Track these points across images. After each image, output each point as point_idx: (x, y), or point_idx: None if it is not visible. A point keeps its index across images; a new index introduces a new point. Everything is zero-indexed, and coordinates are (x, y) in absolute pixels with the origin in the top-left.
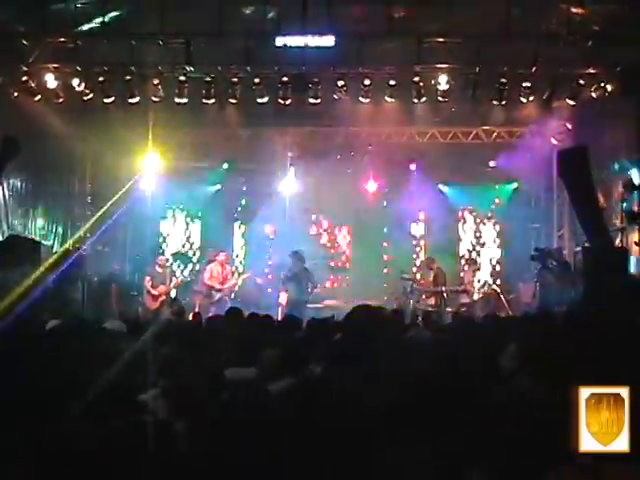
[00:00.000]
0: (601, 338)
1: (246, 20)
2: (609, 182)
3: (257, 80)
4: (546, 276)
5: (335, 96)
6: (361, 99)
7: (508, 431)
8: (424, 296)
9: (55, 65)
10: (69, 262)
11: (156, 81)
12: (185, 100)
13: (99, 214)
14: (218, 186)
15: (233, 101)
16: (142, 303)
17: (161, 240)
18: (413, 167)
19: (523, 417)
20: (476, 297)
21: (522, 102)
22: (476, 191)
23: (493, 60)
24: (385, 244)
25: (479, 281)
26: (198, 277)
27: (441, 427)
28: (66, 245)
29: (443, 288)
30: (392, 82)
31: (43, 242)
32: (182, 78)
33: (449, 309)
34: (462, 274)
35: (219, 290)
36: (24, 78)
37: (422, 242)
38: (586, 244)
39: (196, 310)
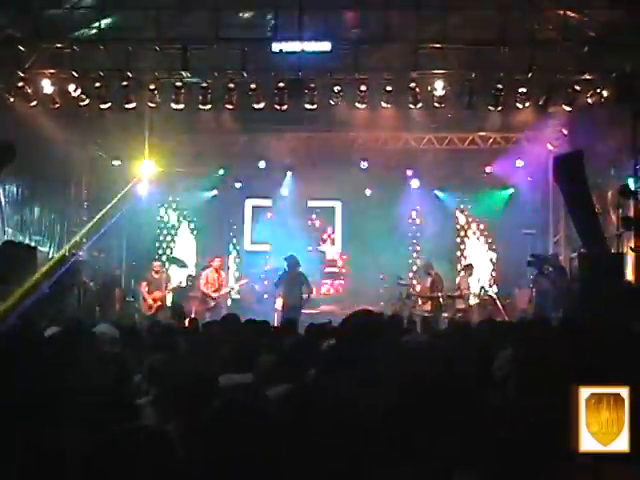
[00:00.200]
0: (597, 344)
1: (243, 26)
2: (605, 187)
3: (253, 86)
4: (542, 282)
5: (331, 102)
6: (357, 105)
7: (503, 436)
8: (420, 302)
9: (51, 71)
10: (65, 268)
11: (152, 87)
12: (181, 106)
13: (95, 220)
14: (214, 192)
15: (229, 107)
16: (138, 309)
17: (157, 246)
18: (409, 172)
19: (518, 422)
20: (472, 302)
21: (518, 108)
22: (472, 196)
23: (489, 66)
24: (381, 249)
25: (475, 287)
26: (194, 283)
27: (437, 431)
28: (62, 251)
29: (440, 294)
30: (388, 88)
31: (39, 248)
32: (178, 84)
33: (445, 314)
34: (458, 279)
35: (214, 298)
36: (20, 84)
37: (418, 247)
38: (582, 250)
39: (192, 316)
